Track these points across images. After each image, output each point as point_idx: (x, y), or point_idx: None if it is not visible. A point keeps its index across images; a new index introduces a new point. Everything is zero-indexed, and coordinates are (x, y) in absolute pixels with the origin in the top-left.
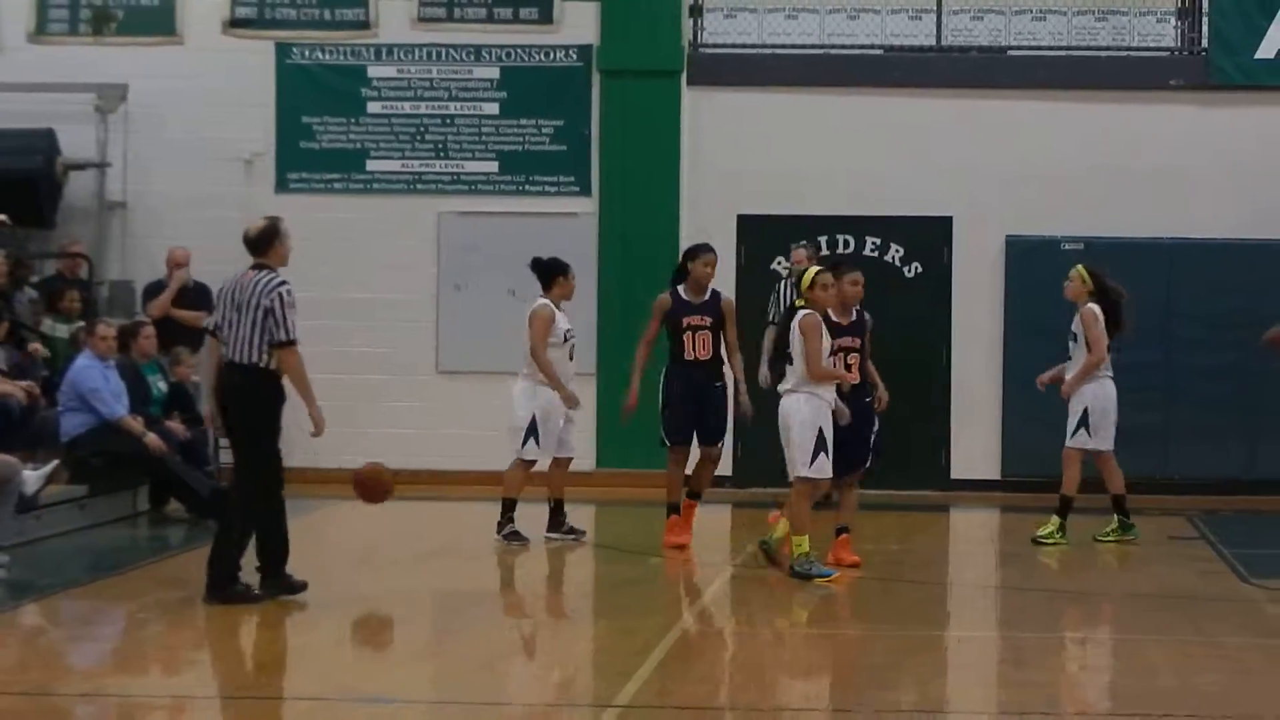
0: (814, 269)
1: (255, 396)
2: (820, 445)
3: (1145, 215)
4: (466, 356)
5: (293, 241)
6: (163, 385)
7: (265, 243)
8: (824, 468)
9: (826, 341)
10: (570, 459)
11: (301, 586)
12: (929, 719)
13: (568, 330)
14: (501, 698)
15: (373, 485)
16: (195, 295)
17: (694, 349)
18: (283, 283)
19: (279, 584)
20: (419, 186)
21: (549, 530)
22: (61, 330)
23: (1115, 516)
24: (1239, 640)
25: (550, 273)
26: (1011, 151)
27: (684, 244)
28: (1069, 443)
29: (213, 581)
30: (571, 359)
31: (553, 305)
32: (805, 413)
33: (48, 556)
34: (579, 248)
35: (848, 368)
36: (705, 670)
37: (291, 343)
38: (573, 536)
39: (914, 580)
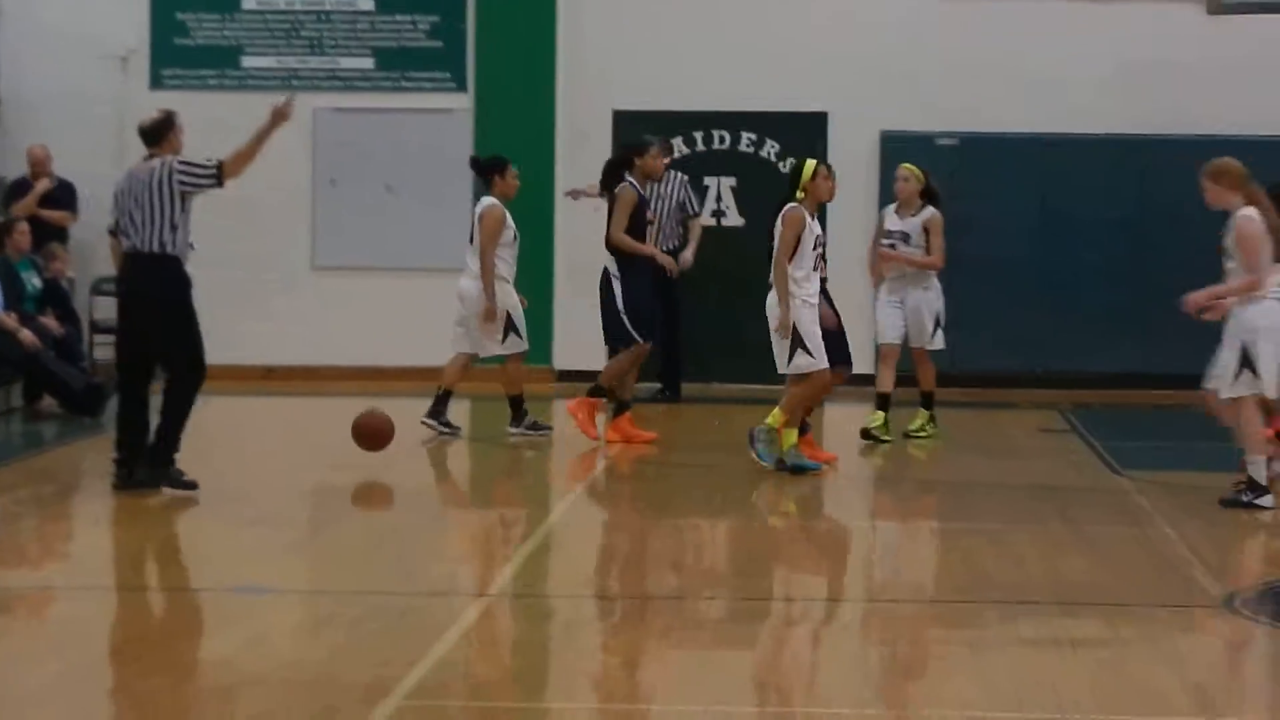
0: (813, 161)
1: (166, 282)
2: (797, 342)
3: (1021, 111)
4: (342, 253)
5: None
6: (36, 282)
7: (160, 134)
8: (803, 364)
9: (810, 237)
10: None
11: (193, 484)
12: (792, 607)
13: (516, 231)
14: (373, 587)
15: (374, 433)
16: (60, 193)
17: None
18: (176, 156)
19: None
20: (295, 83)
21: (512, 426)
22: None
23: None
24: (1106, 529)
25: (488, 170)
26: (887, 46)
27: (560, 140)
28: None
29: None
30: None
31: (501, 204)
32: (780, 311)
33: None
34: (455, 144)
35: (824, 261)
36: (575, 559)
37: (222, 164)
38: (539, 433)
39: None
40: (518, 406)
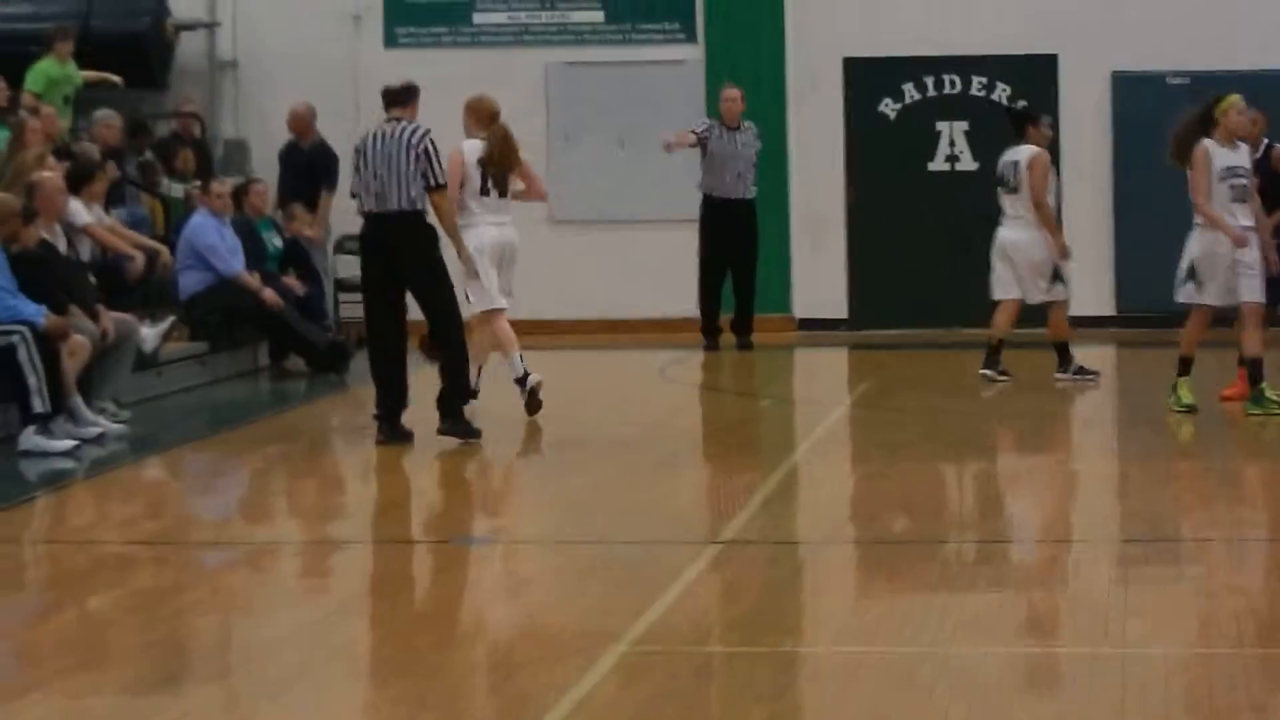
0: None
1: (421, 239)
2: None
3: (1254, 48)
4: (578, 206)
5: None
6: (277, 242)
7: (407, 98)
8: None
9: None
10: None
11: (478, 432)
12: (1021, 548)
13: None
14: (607, 536)
15: None
16: (316, 157)
17: None
18: (429, 131)
19: (461, 426)
20: (526, 38)
21: (1060, 372)
22: (177, 190)
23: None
24: None
25: (1022, 120)
26: None
27: (790, 89)
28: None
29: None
30: None
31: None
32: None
33: (169, 412)
34: (686, 96)
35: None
36: (808, 506)
37: (443, 187)
38: (1085, 378)
39: (1021, 414)
40: (1064, 352)
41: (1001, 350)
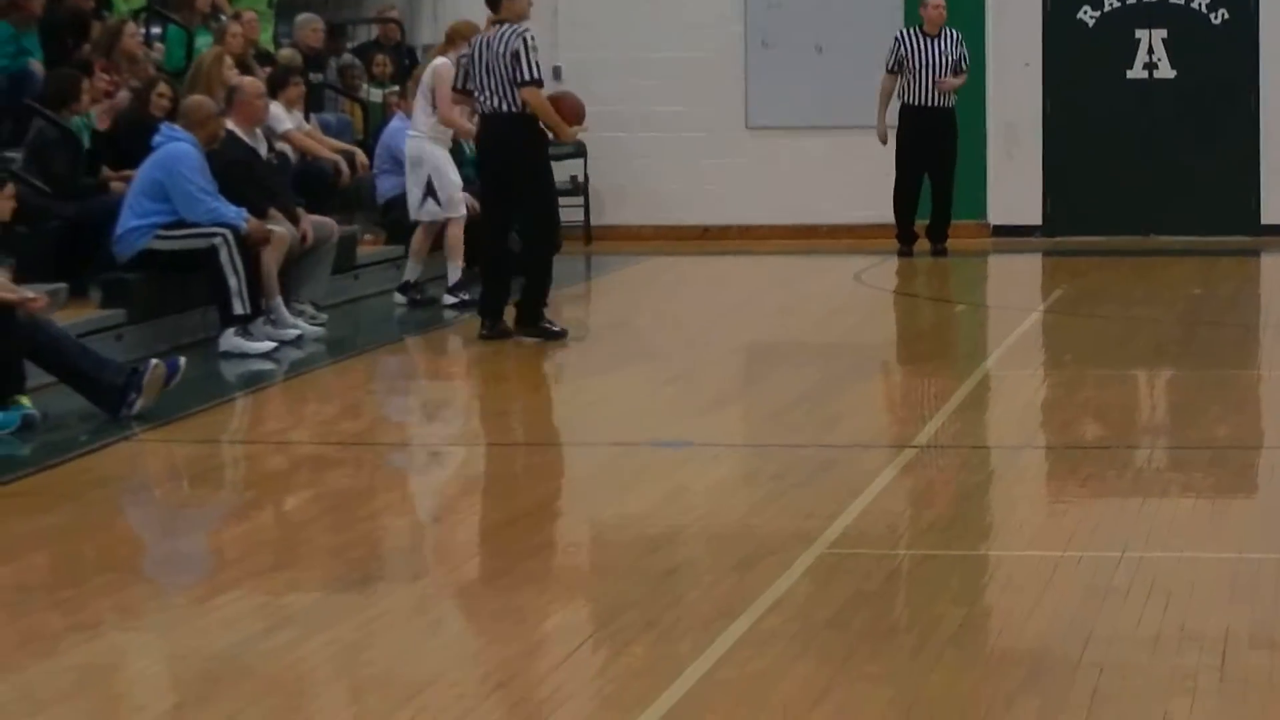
0: None
1: (530, 141)
2: None
3: None
4: (776, 112)
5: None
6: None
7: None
8: None
9: None
10: None
11: (562, 333)
12: (1216, 455)
13: None
14: (796, 440)
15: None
16: None
17: None
18: (525, 30)
19: (539, 328)
20: None
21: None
22: (376, 95)
23: None
24: None
25: None
26: None
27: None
28: None
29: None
30: None
31: None
32: None
33: (366, 314)
34: (885, 2)
35: None
36: (1001, 412)
37: (536, 82)
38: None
39: (1213, 322)
40: None
41: None
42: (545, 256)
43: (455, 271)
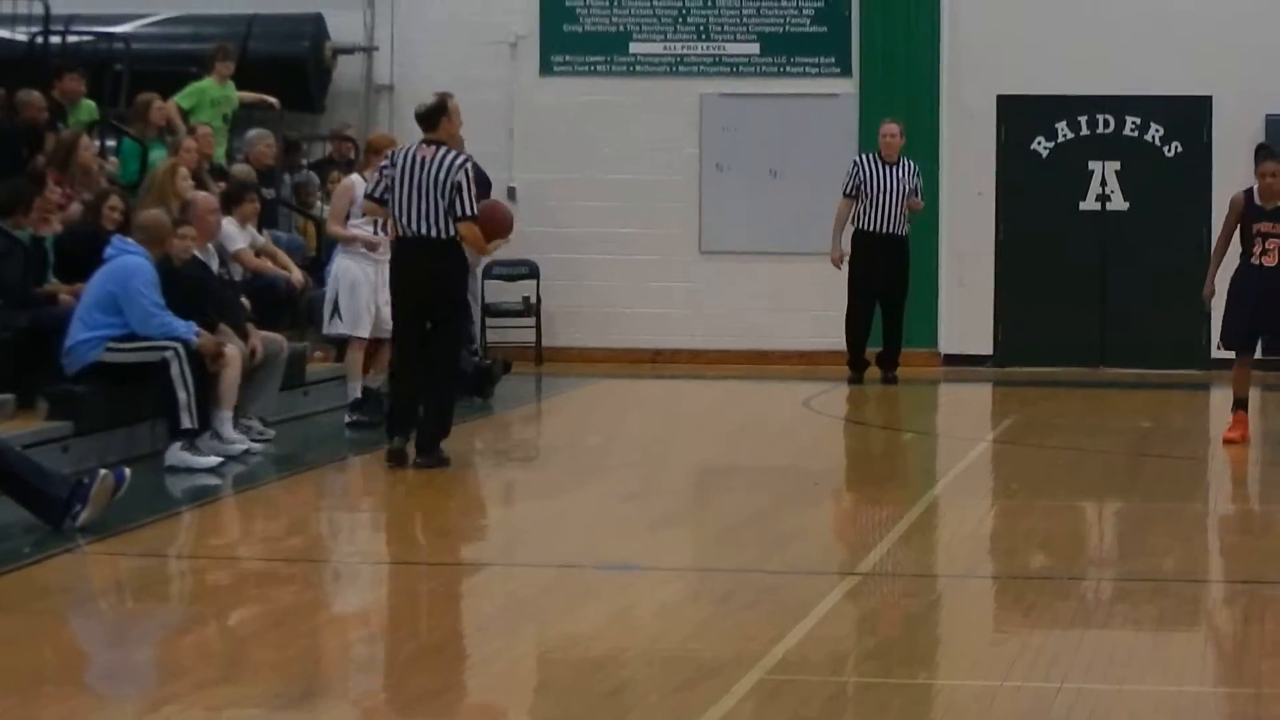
0: None
1: (453, 269)
2: None
3: None
4: (729, 237)
5: (561, 122)
6: None
7: (435, 118)
8: None
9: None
10: None
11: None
12: (1159, 587)
13: None
14: (741, 565)
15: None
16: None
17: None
18: (469, 160)
19: (435, 455)
20: (681, 69)
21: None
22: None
23: None
24: None
25: None
26: (1271, 29)
27: (945, 125)
28: None
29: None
30: None
31: None
32: None
33: (314, 430)
34: (840, 128)
35: (1266, 252)
36: (947, 540)
37: (475, 217)
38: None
39: (1161, 455)
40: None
41: None
42: (452, 392)
43: (355, 390)
